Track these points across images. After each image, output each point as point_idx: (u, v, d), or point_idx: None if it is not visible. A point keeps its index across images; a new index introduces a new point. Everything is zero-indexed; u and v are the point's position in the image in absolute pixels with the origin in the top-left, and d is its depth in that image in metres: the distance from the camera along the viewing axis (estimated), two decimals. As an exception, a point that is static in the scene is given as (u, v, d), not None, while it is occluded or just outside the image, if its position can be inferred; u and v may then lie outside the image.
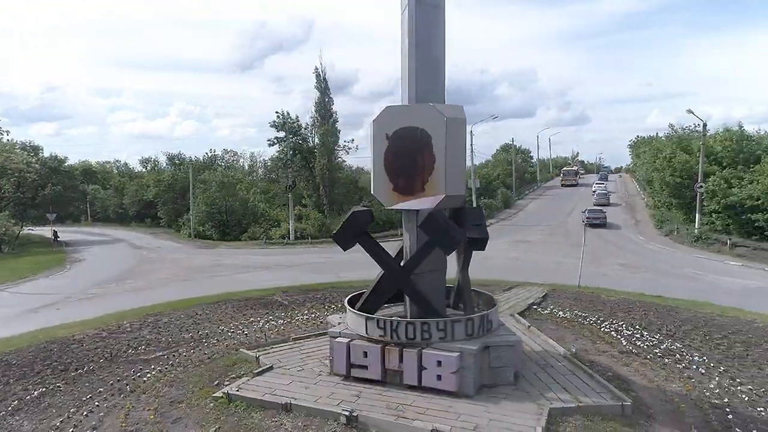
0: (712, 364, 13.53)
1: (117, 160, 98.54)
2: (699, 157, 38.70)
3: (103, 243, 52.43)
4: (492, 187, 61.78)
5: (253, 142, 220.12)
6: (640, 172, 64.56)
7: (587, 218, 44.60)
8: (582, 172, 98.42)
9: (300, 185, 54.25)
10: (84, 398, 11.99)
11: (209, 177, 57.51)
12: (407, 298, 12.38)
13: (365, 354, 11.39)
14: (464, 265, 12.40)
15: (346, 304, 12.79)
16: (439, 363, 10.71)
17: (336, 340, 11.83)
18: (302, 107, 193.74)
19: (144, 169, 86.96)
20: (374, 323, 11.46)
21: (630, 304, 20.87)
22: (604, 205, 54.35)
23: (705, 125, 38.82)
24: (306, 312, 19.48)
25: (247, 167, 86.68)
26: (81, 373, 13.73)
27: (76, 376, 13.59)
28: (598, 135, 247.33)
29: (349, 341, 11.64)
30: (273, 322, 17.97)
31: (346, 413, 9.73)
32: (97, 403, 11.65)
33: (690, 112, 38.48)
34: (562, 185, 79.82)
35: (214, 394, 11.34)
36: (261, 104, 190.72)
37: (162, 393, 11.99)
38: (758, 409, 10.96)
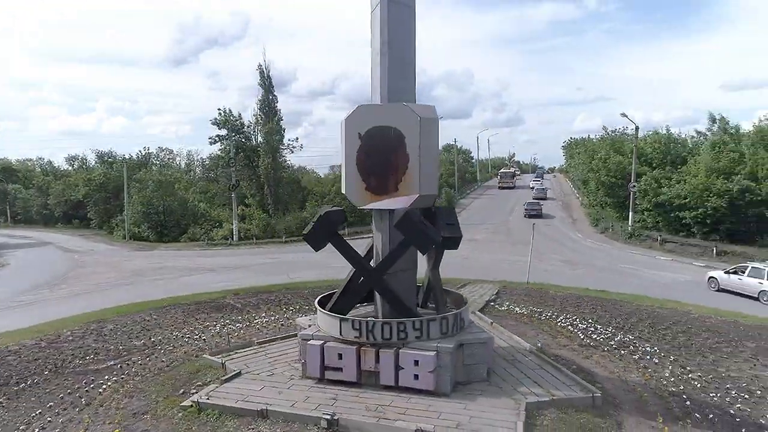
0: (662, 354, 14.34)
1: (40, 158, 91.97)
2: (631, 158, 40.94)
3: (28, 246, 48.90)
4: (436, 187, 62.69)
5: (189, 140, 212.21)
6: (576, 172, 67.47)
7: (526, 210, 51.68)
8: (518, 173, 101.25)
9: (243, 185, 52.84)
10: (33, 414, 11.14)
11: (145, 176, 54.94)
12: (378, 299, 12.32)
13: (340, 356, 11.23)
14: (435, 264, 12.48)
15: (316, 306, 12.56)
16: (417, 362, 10.72)
17: (309, 343, 11.59)
18: (240, 104, 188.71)
19: (71, 168, 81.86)
20: (349, 324, 11.32)
21: (577, 299, 21.78)
22: (542, 199, 60.38)
23: (637, 128, 41.23)
24: (263, 315, 18.99)
25: (183, 166, 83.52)
26: (24, 387, 12.74)
27: (19, 390, 12.60)
28: (531, 136, 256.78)
29: (323, 343, 11.45)
30: (231, 326, 17.39)
31: (327, 417, 9.55)
32: (49, 419, 10.85)
33: (624, 115, 40.76)
34: (499, 188, 78.42)
35: (182, 404, 10.83)
36: (196, 101, 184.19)
37: (123, 405, 11.32)
38: (710, 394, 11.71)
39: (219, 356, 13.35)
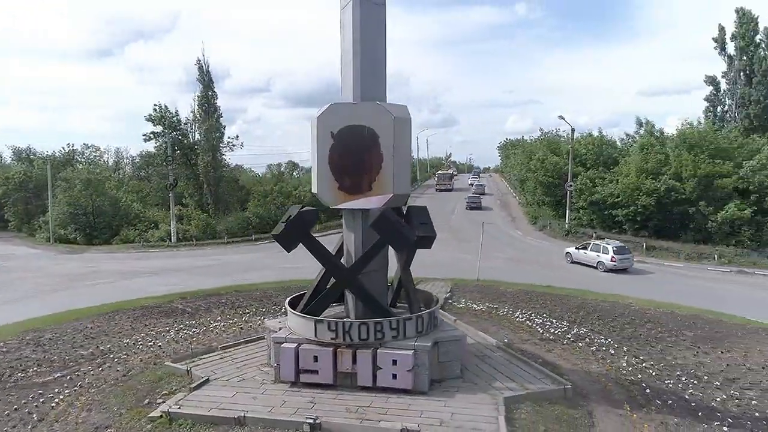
0: (616, 345, 15.11)
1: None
2: (566, 158, 42.86)
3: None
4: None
5: (116, 137, 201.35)
6: (514, 172, 69.76)
7: (467, 202, 58.20)
8: (456, 174, 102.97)
9: (181, 184, 50.80)
10: (-23, 434, 10.22)
11: (72, 174, 51.63)
12: (351, 299, 12.21)
13: (315, 358, 11.05)
14: (406, 264, 12.52)
15: (288, 308, 12.30)
16: (395, 362, 10.73)
17: (282, 346, 11.32)
18: (171, 100, 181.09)
19: (-18, 165, 75.64)
20: (325, 326, 11.16)
21: (527, 294, 22.57)
22: (481, 194, 66.24)
23: (573, 130, 43.17)
24: (219, 319, 18.35)
25: (112, 164, 79.30)
26: (-40, 407, 11.65)
27: (-45, 410, 11.51)
28: (465, 136, 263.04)
29: (297, 346, 11.21)
30: (186, 332, 16.68)
31: (310, 421, 9.37)
32: (-2, 438, 9.99)
33: (561, 118, 42.65)
34: (437, 190, 76.41)
35: (150, 415, 10.28)
36: (121, 95, 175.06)
37: (82, 419, 10.60)
38: (665, 382, 12.46)
39: (182, 363, 12.79)
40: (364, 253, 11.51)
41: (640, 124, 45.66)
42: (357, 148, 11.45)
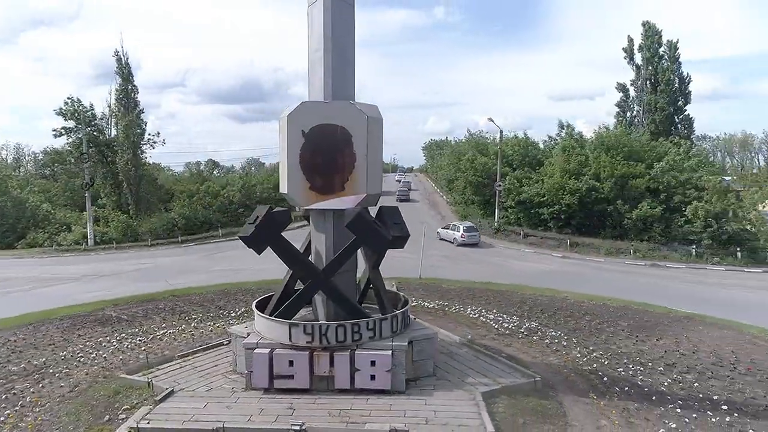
0: (565, 337, 15.91)
1: None
2: (494, 159, 44.59)
3: None
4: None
5: (11, 132, 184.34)
6: (442, 172, 71.48)
7: (397, 196, 64.90)
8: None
9: (97, 183, 47.50)
10: None
11: (-31, 172, 46.90)
12: (320, 301, 12.01)
13: (291, 363, 10.76)
14: (375, 264, 12.48)
15: (256, 312, 11.88)
16: (373, 363, 10.67)
17: (255, 351, 10.91)
18: (76, 93, 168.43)
19: None
20: (300, 329, 10.89)
21: (470, 291, 23.28)
22: (408, 189, 73.18)
23: (501, 132, 44.93)
24: (164, 326, 17.37)
25: (11, 161, 72.89)
26: None
27: None
28: (386, 136, 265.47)
29: (271, 351, 10.85)
30: (131, 341, 15.64)
31: (296, 428, 9.11)
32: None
33: (490, 120, 44.21)
34: None
35: (115, 432, 9.56)
36: (18, 86, 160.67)
37: (34, 441, 9.66)
38: (618, 370, 13.30)
39: (139, 374, 11.99)
40: (338, 254, 11.35)
41: (561, 126, 48.38)
42: (329, 147, 11.28)
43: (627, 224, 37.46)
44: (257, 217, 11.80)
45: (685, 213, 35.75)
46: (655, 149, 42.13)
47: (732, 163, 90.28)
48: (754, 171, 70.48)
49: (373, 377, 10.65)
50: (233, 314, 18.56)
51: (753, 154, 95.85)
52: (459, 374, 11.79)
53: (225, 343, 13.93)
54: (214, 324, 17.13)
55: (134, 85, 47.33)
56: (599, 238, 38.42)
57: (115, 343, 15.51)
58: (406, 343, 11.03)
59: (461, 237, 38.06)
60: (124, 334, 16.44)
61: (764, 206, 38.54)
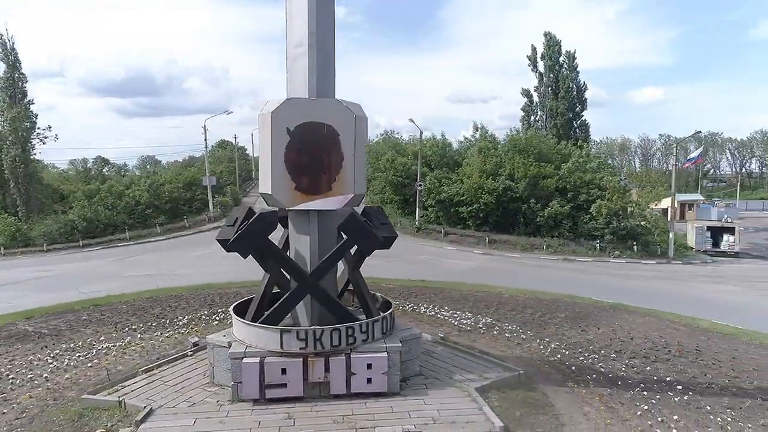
0: (520, 330, 16.67)
1: None
2: (413, 159, 45.57)
3: None
4: (219, 184, 59.61)
5: None
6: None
7: None
8: None
9: (-24, 181, 42.17)
10: None
11: None
12: (304, 306, 11.59)
13: (283, 371, 10.29)
14: (357, 265, 12.28)
15: (238, 319, 11.21)
16: (369, 366, 10.51)
17: (244, 361, 10.30)
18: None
19: None
20: (293, 335, 10.44)
21: (410, 289, 23.69)
22: None
23: (421, 133, 46.05)
24: (102, 338, 15.83)
25: None
26: None
27: None
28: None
29: (261, 360, 10.31)
30: (69, 357, 14.09)
31: (309, 438, 8.75)
32: None
33: (411, 121, 45.08)
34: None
35: (98, 460, 8.58)
36: None
37: (-3, 479, 8.41)
38: (579, 359, 14.17)
39: (103, 393, 10.84)
40: (329, 256, 11.03)
41: (476, 128, 50.49)
42: (316, 146, 10.93)
43: (539, 221, 39.91)
44: (236, 219, 11.17)
45: (590, 211, 38.79)
46: (560, 151, 45.28)
47: (614, 165, 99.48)
48: (634, 172, 78.07)
49: (369, 380, 10.49)
50: (178, 323, 17.33)
51: (630, 157, 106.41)
52: (444, 372, 11.95)
53: (190, 354, 13.00)
54: (161, 334, 15.90)
55: (22, 73, 42.50)
56: (514, 235, 40.60)
57: (51, 361, 13.90)
58: (399, 344, 10.98)
59: None
60: (57, 351, 14.79)
61: (657, 204, 42.95)
